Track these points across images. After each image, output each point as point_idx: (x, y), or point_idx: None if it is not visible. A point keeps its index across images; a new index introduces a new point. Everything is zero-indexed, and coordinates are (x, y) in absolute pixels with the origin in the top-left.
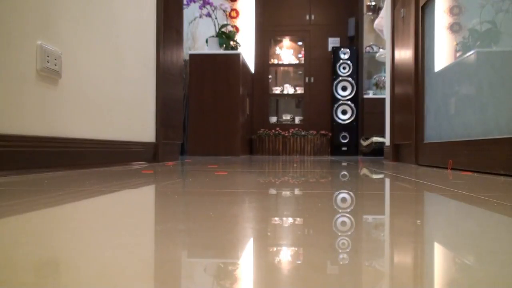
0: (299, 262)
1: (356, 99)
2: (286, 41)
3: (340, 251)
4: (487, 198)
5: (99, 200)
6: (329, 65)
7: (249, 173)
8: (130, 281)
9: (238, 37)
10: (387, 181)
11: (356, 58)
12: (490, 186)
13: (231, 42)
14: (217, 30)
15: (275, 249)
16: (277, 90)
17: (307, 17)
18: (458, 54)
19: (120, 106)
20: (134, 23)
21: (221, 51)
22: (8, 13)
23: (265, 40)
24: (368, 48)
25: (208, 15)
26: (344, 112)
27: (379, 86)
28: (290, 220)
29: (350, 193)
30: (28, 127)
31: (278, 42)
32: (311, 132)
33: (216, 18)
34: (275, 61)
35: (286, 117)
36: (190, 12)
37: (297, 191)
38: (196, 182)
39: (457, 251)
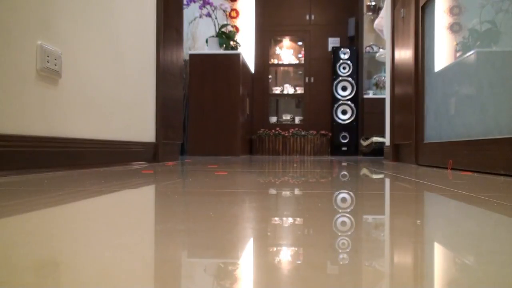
0: (299, 262)
1: (356, 99)
2: (286, 41)
3: (340, 251)
4: (487, 198)
5: (99, 200)
6: (329, 65)
7: (249, 173)
8: (130, 281)
9: (238, 37)
10: (387, 181)
11: (356, 58)
12: (490, 186)
13: (231, 42)
14: (217, 30)
15: (275, 249)
16: (277, 90)
17: (307, 17)
18: (458, 54)
19: (120, 106)
20: (134, 23)
21: (221, 51)
22: (8, 13)
23: (265, 40)
24: (368, 48)
25: (208, 15)
26: (344, 112)
27: (379, 86)
28: (290, 220)
29: (350, 193)
30: (28, 127)
31: (278, 42)
32: (311, 132)
33: (216, 18)
34: (275, 61)
35: (286, 117)
36: (190, 12)
37: (297, 191)
38: (196, 182)
39: (457, 251)
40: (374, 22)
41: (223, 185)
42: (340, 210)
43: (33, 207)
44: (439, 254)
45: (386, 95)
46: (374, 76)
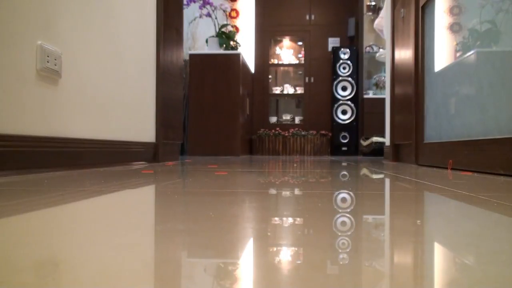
0: (299, 262)
1: (356, 99)
2: (286, 41)
3: (340, 251)
4: (487, 198)
5: (99, 200)
6: (329, 65)
7: (249, 173)
8: (130, 281)
9: (238, 37)
10: (387, 181)
11: (356, 58)
12: (490, 186)
13: (231, 42)
14: (217, 30)
15: (275, 249)
16: (277, 90)
17: (307, 17)
18: (458, 54)
19: (120, 106)
20: (134, 23)
21: (221, 51)
22: (8, 13)
23: (265, 40)
24: (368, 48)
25: (208, 15)
26: (344, 112)
27: (379, 86)
28: (290, 220)
29: (350, 193)
30: (28, 127)
31: (278, 42)
32: (311, 132)
33: (216, 18)
34: (275, 61)
35: (286, 117)
36: (190, 12)
37: (297, 191)
38: (196, 182)
39: (457, 251)
40: (374, 22)
41: (223, 185)
42: (340, 210)
43: (33, 207)
44: (439, 254)
45: (386, 95)
46: (374, 76)
